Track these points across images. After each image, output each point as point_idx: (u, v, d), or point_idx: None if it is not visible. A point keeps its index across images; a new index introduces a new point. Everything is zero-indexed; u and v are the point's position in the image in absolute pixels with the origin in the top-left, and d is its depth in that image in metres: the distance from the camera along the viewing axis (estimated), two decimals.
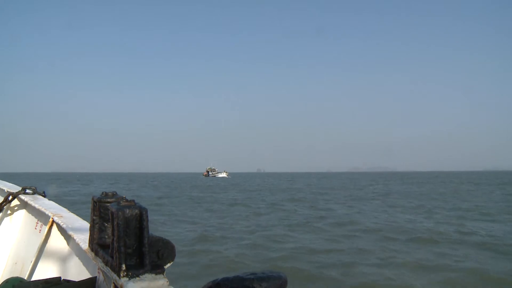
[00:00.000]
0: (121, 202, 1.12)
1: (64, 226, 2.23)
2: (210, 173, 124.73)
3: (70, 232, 2.10)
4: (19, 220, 2.92)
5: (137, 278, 1.06)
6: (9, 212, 2.96)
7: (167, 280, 1.09)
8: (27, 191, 2.94)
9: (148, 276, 1.07)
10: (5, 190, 3.07)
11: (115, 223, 1.07)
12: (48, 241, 2.39)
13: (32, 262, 2.37)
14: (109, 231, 1.25)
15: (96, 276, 1.66)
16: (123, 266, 1.06)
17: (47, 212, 2.49)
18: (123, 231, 1.06)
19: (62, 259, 2.27)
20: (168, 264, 1.13)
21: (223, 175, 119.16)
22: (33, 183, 3.39)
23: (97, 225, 1.29)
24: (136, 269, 1.07)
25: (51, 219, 2.41)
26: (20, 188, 2.99)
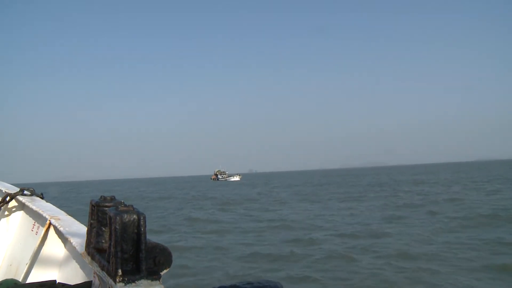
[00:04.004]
0: (119, 207, 1.12)
1: (61, 229, 2.22)
2: (219, 176, 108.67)
3: (67, 235, 2.09)
4: (16, 222, 2.91)
5: (133, 283, 1.05)
6: (6, 213, 2.95)
7: (163, 286, 1.08)
8: (25, 192, 2.94)
9: (144, 282, 1.06)
10: (3, 191, 3.06)
11: (112, 227, 1.07)
12: (45, 243, 2.38)
13: (28, 264, 2.36)
14: (106, 235, 1.25)
15: (91, 280, 1.66)
16: (119, 271, 1.06)
17: (44, 214, 2.48)
18: (120, 236, 1.06)
19: (58, 262, 2.26)
20: (165, 271, 1.13)
21: (236, 178, 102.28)
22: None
23: (95, 229, 1.29)
24: (132, 274, 1.06)
25: (48, 222, 2.40)
26: (18, 189, 2.98)
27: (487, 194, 24.08)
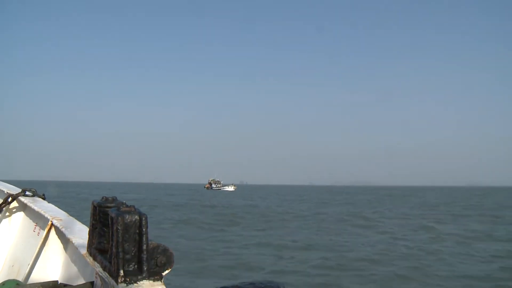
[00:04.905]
0: (121, 207, 1.13)
1: (63, 229, 2.22)
2: (213, 185, 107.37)
3: (69, 236, 2.09)
4: (17, 222, 2.91)
5: (135, 284, 1.06)
6: (8, 214, 2.96)
7: (165, 287, 1.09)
8: (27, 193, 2.94)
9: (146, 282, 1.07)
10: (5, 192, 3.06)
11: (114, 228, 1.08)
12: (46, 244, 2.39)
13: (30, 265, 2.36)
14: (108, 236, 1.25)
15: (93, 281, 1.66)
16: (121, 272, 1.06)
17: (46, 215, 2.48)
18: (122, 237, 1.07)
19: (60, 263, 2.26)
20: (166, 271, 1.13)
21: (230, 189, 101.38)
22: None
23: (96, 229, 1.29)
24: (134, 275, 1.07)
25: (50, 222, 2.40)
26: (20, 190, 2.99)
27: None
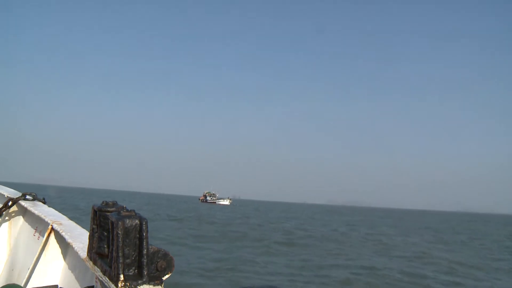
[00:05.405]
0: (121, 212, 1.13)
1: (63, 233, 2.22)
2: (208, 198, 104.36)
3: (69, 240, 2.09)
4: (17, 226, 2.91)
5: None
6: (8, 218, 2.96)
7: None
8: (27, 197, 2.94)
9: (146, 287, 1.07)
10: (5, 196, 3.06)
11: (114, 232, 1.08)
12: (46, 248, 2.38)
13: (30, 269, 2.36)
14: (109, 240, 1.25)
15: (93, 285, 1.66)
16: (121, 276, 1.06)
17: (46, 219, 2.48)
18: (122, 241, 1.07)
19: (60, 267, 2.26)
20: (167, 276, 1.13)
21: (226, 202, 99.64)
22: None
23: (97, 234, 1.29)
24: (134, 279, 1.07)
25: (50, 226, 2.40)
26: (20, 194, 2.99)
27: None
